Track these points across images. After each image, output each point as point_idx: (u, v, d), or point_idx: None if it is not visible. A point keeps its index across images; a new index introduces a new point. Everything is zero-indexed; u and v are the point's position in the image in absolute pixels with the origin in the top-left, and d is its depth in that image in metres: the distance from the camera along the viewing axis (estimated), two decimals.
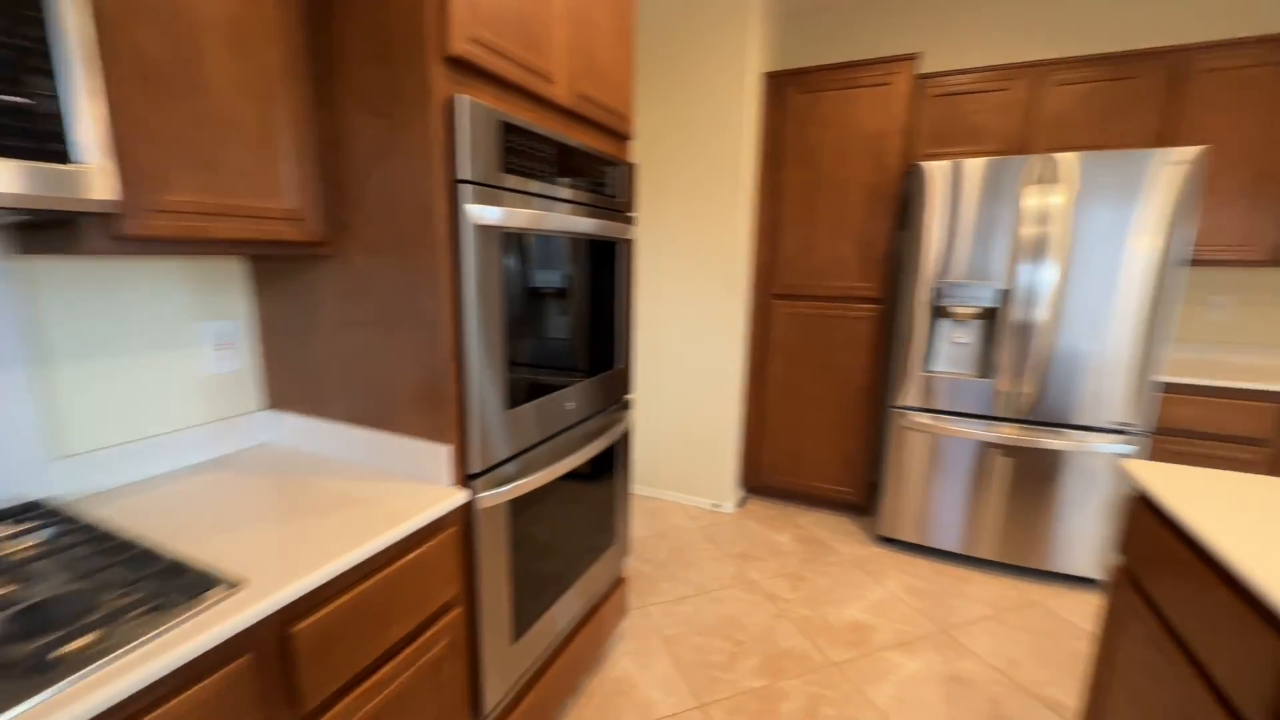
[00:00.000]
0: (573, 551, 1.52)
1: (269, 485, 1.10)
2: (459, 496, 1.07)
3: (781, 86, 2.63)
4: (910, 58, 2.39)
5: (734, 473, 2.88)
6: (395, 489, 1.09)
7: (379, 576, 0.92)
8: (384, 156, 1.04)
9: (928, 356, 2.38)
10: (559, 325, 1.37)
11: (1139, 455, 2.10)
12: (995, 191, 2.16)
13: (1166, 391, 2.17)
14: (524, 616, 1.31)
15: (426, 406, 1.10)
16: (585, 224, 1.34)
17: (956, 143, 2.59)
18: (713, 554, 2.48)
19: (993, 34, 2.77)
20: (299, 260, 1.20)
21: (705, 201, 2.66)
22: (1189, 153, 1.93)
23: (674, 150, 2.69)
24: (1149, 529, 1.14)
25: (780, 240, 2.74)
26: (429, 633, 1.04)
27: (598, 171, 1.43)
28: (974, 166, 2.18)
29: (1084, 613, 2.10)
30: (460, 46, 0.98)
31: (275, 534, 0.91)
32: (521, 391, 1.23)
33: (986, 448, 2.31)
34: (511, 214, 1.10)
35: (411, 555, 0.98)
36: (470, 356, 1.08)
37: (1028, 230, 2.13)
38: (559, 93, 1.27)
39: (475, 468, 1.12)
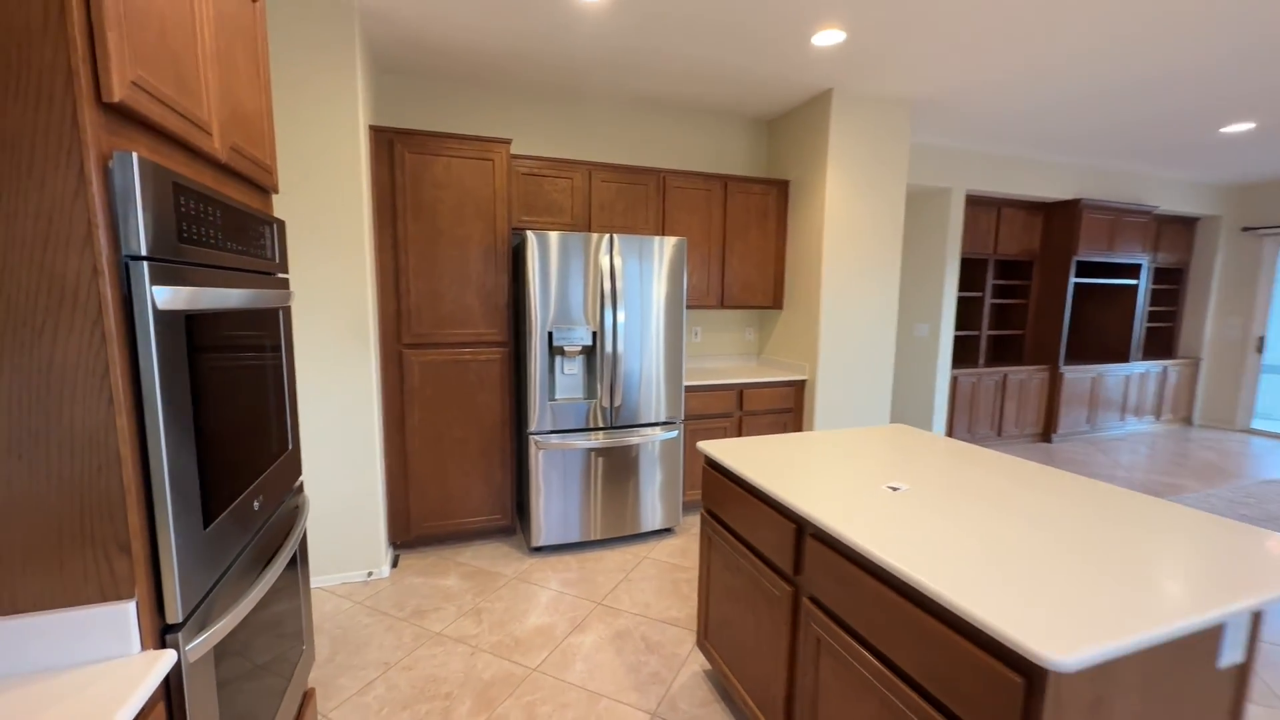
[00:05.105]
0: (271, 676, 1.25)
1: None
2: (164, 660, 0.81)
3: (389, 142, 2.68)
4: (506, 141, 2.85)
5: (384, 533, 2.72)
6: (50, 690, 0.74)
7: None
8: None
9: (550, 387, 2.90)
10: (231, 412, 1.14)
11: (679, 437, 3.16)
12: (574, 257, 2.85)
13: (687, 391, 3.33)
14: None
15: (90, 558, 0.78)
16: (257, 295, 1.17)
17: (541, 214, 3.23)
18: (385, 624, 2.31)
19: (555, 132, 3.57)
20: None
21: (331, 256, 2.46)
22: (676, 240, 3.05)
23: (298, 202, 2.39)
24: (714, 479, 1.86)
25: (406, 291, 2.77)
26: None
27: (257, 233, 1.25)
28: (554, 238, 2.81)
29: (671, 552, 3.01)
30: (123, 91, 0.78)
31: None
32: (212, 501, 0.99)
33: (590, 453, 2.99)
34: (197, 294, 0.91)
35: None
36: (162, 475, 0.83)
37: (600, 286, 2.90)
38: (216, 145, 1.09)
39: (177, 615, 0.86)
